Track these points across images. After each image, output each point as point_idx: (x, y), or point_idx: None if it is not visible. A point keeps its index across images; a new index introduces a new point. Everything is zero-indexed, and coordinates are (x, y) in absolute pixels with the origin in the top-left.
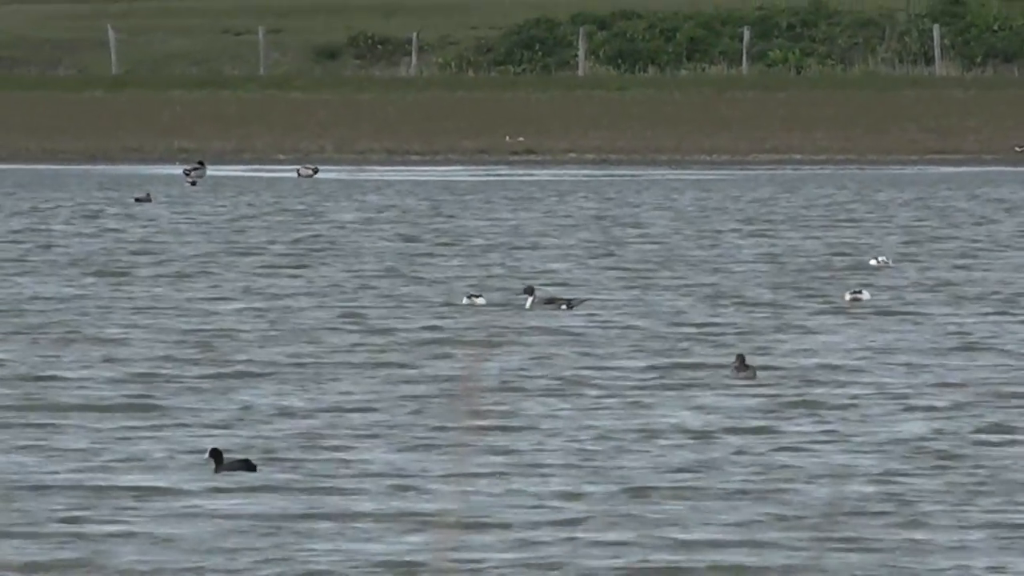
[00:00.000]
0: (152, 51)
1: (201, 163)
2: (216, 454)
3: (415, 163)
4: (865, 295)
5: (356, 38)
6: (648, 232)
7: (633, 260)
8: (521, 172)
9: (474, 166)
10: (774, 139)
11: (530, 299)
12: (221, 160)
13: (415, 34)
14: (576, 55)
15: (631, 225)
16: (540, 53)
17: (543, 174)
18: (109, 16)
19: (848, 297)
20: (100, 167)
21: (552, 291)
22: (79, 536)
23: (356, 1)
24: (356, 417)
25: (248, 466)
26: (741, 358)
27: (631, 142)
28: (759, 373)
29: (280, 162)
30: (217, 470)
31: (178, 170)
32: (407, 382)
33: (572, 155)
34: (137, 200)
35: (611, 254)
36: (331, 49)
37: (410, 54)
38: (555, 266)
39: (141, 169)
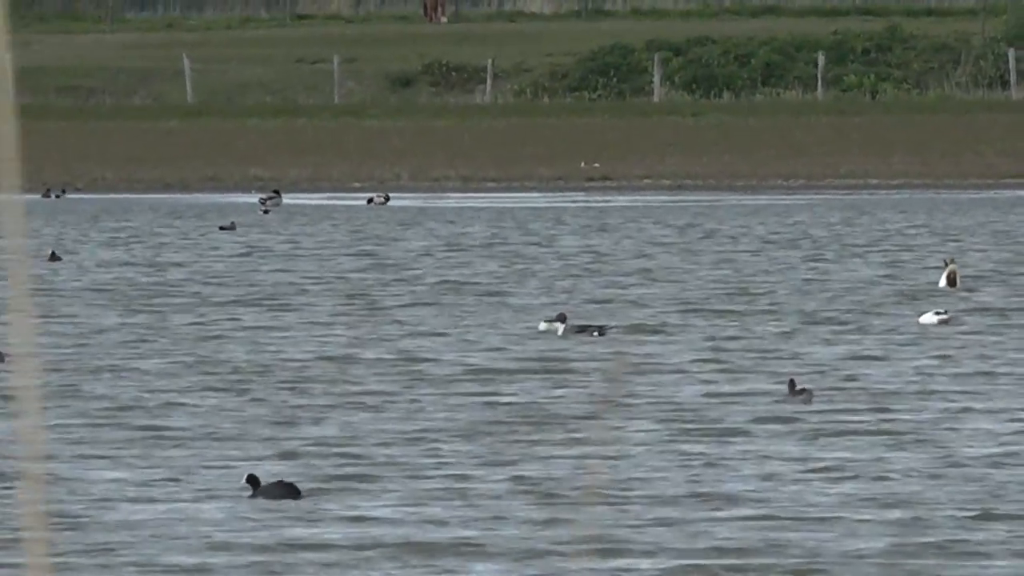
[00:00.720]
0: (227, 80)
1: (277, 192)
2: (253, 480)
3: (490, 190)
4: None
5: (431, 66)
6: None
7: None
8: (597, 199)
9: (550, 192)
10: (849, 164)
11: (561, 327)
12: (296, 188)
13: (490, 61)
14: (651, 81)
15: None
16: (615, 79)
17: (620, 200)
18: (184, 45)
19: (935, 318)
20: (176, 196)
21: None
22: None
23: (430, 29)
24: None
25: (292, 491)
26: (792, 383)
27: (707, 168)
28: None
29: (355, 190)
30: (254, 495)
31: (254, 198)
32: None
33: (648, 181)
34: (222, 228)
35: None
36: (406, 77)
37: (485, 81)
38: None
39: (216, 197)
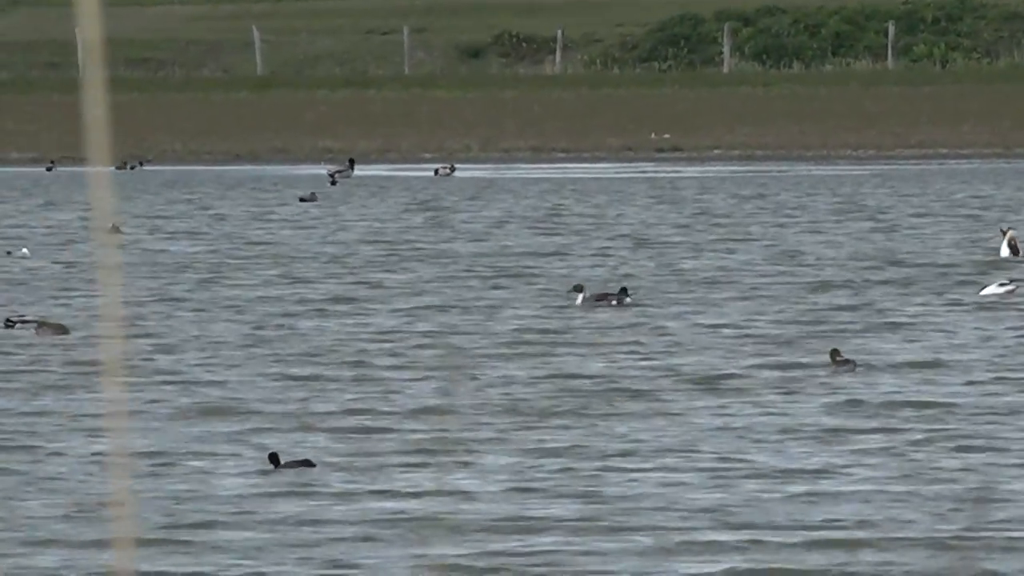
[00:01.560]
0: (297, 52)
1: (351, 162)
2: (274, 457)
3: (560, 160)
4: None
5: (500, 36)
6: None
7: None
8: (667, 169)
9: (619, 163)
10: (920, 134)
11: (580, 296)
12: (366, 160)
13: (559, 32)
14: (721, 52)
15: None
16: (685, 50)
17: (689, 171)
18: (254, 17)
19: (1001, 289)
20: (247, 167)
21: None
22: None
23: None
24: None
25: (308, 464)
26: (835, 352)
27: (776, 138)
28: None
29: (425, 161)
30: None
31: (323, 170)
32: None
33: (717, 151)
34: (302, 200)
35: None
36: (475, 48)
37: (554, 52)
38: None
39: (286, 169)
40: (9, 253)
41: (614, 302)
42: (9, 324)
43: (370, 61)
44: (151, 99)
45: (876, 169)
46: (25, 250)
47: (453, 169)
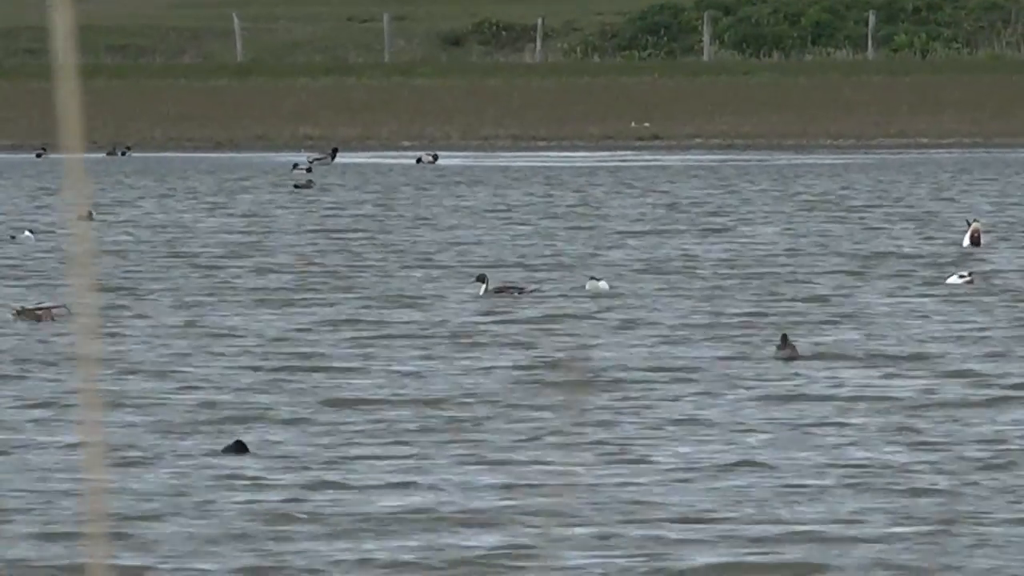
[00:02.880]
0: (277, 39)
1: (335, 151)
2: (240, 446)
3: (540, 149)
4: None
5: (481, 24)
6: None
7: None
8: (647, 157)
9: (600, 152)
10: (900, 123)
11: (483, 286)
12: (347, 147)
13: (540, 20)
14: (701, 40)
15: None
16: (665, 38)
17: (669, 159)
18: (234, 4)
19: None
20: (227, 155)
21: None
22: None
23: None
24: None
25: (241, 447)
26: (784, 338)
27: (756, 127)
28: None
29: (405, 149)
30: (224, 451)
31: (302, 157)
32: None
33: (698, 140)
34: (296, 187)
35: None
36: (456, 35)
37: (535, 40)
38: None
39: (268, 157)
40: (13, 238)
41: (516, 293)
42: (26, 310)
43: (350, 48)
44: (131, 86)
45: (855, 158)
46: (28, 232)
47: (436, 158)
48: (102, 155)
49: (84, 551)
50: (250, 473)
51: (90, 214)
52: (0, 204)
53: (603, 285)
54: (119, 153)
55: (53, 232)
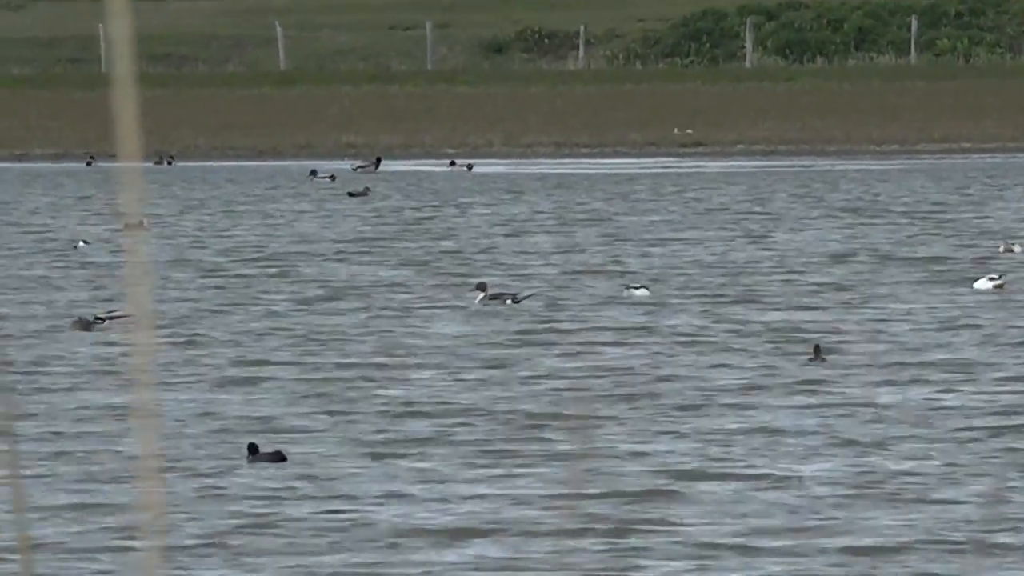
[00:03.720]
0: (320, 47)
1: (378, 160)
2: (253, 448)
3: (583, 155)
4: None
5: (523, 32)
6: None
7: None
8: (690, 164)
9: (642, 158)
10: (943, 128)
11: (481, 294)
12: (390, 155)
13: (582, 27)
14: (744, 46)
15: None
16: (708, 45)
17: (712, 166)
18: (276, 12)
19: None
20: (270, 163)
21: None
22: None
23: None
24: None
25: (279, 457)
26: (817, 348)
27: (800, 133)
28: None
29: (448, 156)
30: (251, 461)
31: (347, 165)
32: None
33: (740, 147)
34: (351, 194)
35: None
36: (498, 43)
37: (577, 47)
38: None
39: (310, 164)
40: (75, 247)
41: (508, 301)
42: (99, 320)
43: (393, 56)
44: (175, 95)
45: (899, 163)
46: (83, 243)
47: (470, 166)
48: (148, 164)
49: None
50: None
51: (142, 223)
52: (51, 213)
53: (641, 293)
54: (166, 162)
55: (108, 242)
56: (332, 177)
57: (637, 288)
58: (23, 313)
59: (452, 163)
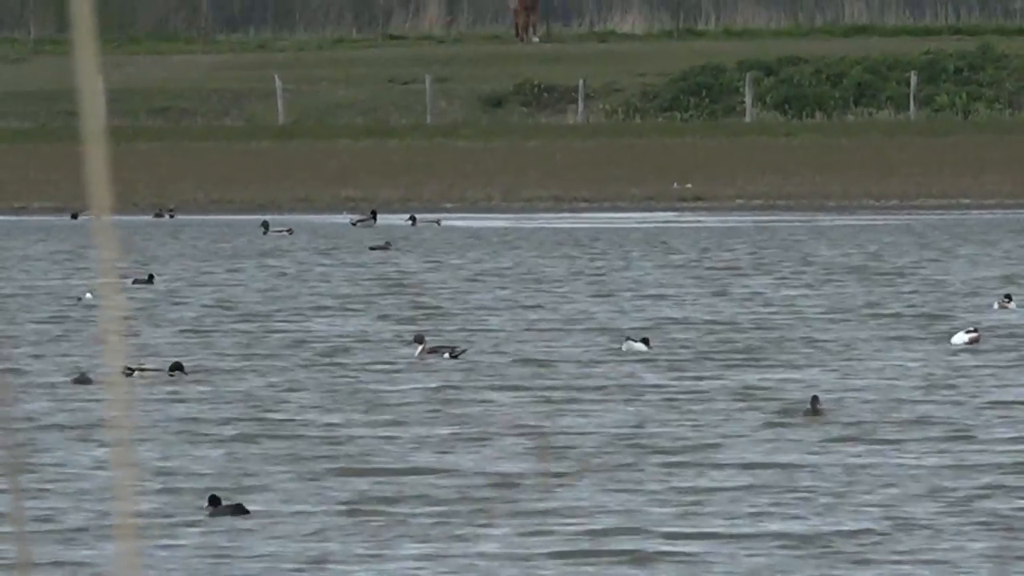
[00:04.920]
0: (319, 101)
1: (374, 213)
2: (214, 500)
3: (583, 210)
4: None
5: (522, 86)
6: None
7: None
8: (690, 218)
9: (641, 212)
10: (942, 184)
11: (420, 347)
12: (389, 209)
13: (581, 81)
14: (743, 101)
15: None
16: (707, 99)
17: (711, 220)
18: (276, 66)
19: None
20: (268, 216)
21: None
22: None
23: (522, 49)
24: None
25: (241, 510)
26: (815, 399)
27: (799, 188)
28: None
29: (448, 210)
30: (212, 514)
31: (345, 219)
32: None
33: (740, 201)
34: (372, 248)
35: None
36: (497, 97)
37: (576, 101)
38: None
39: (308, 218)
40: (79, 299)
41: (446, 355)
42: (128, 372)
43: (392, 110)
44: (173, 148)
45: (898, 219)
46: (89, 294)
47: (438, 222)
48: (148, 217)
49: None
50: None
51: (151, 277)
52: (52, 266)
53: (639, 346)
54: (166, 215)
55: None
56: (289, 231)
57: (636, 341)
58: (30, 366)
59: (412, 219)
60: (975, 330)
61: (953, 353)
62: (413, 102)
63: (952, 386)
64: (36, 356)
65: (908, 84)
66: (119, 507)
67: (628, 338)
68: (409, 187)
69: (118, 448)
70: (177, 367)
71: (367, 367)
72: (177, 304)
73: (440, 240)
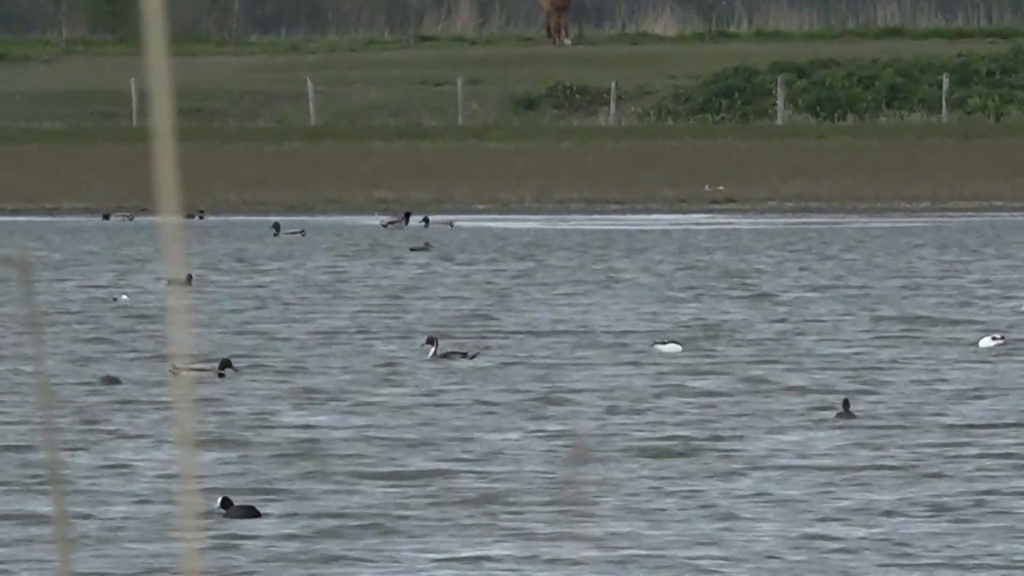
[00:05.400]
0: (351, 102)
1: (407, 215)
2: (226, 502)
3: (614, 212)
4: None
5: (554, 88)
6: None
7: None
8: (721, 220)
9: (673, 214)
10: (974, 186)
11: (432, 349)
12: (420, 210)
13: (613, 83)
14: (775, 103)
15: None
16: (739, 102)
17: (743, 222)
18: (308, 68)
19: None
20: (301, 218)
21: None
22: None
23: (554, 51)
24: None
25: (253, 512)
26: (846, 403)
27: (830, 190)
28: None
29: (479, 212)
30: (226, 515)
31: (376, 220)
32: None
33: (772, 203)
34: (412, 250)
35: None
36: (529, 99)
37: (608, 103)
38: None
39: (340, 219)
40: (115, 299)
41: (459, 357)
42: (175, 371)
43: (424, 112)
44: (205, 149)
45: (930, 221)
46: (125, 296)
47: (451, 224)
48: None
49: None
50: None
51: (189, 278)
52: (86, 266)
53: (670, 348)
54: (198, 217)
55: (149, 294)
56: (302, 232)
57: (665, 343)
58: (63, 367)
59: (425, 221)
60: (1002, 337)
61: (980, 357)
62: (445, 104)
63: (978, 390)
64: (71, 358)
65: (940, 87)
66: (183, 506)
67: (657, 341)
68: (441, 189)
69: (183, 446)
70: (226, 364)
71: (409, 361)
72: (215, 303)
73: (475, 241)
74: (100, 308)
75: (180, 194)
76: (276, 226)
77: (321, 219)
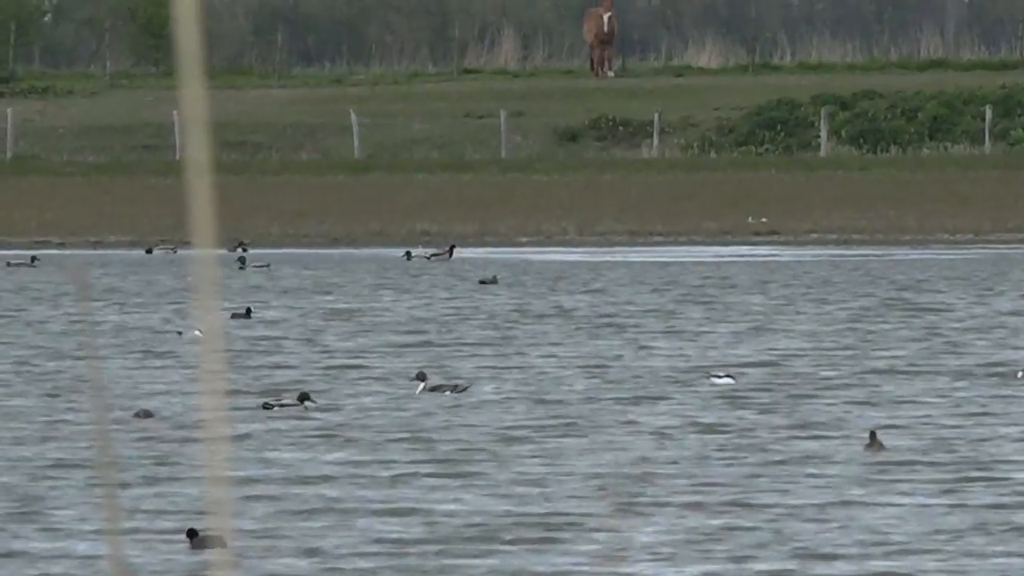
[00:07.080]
0: (394, 135)
1: (452, 248)
2: (192, 533)
3: (657, 244)
4: None
5: (597, 120)
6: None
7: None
8: (764, 252)
9: (717, 246)
10: (1018, 217)
11: (421, 384)
12: (464, 243)
13: (656, 115)
14: (818, 135)
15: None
16: (782, 134)
17: (785, 254)
18: (351, 100)
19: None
20: (344, 251)
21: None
22: None
23: (597, 84)
24: None
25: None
26: (873, 434)
27: (873, 222)
28: None
29: (522, 244)
30: (193, 547)
31: (422, 252)
32: None
33: (814, 235)
34: (481, 282)
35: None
36: (572, 131)
37: (651, 135)
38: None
39: (385, 252)
40: (180, 334)
41: (447, 392)
42: (267, 407)
43: (467, 145)
44: (248, 182)
45: (974, 253)
46: (197, 332)
47: (451, 252)
48: (224, 251)
49: None
50: None
51: (248, 311)
52: (136, 300)
53: (725, 381)
54: (243, 249)
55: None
56: (267, 266)
57: (721, 376)
58: (122, 402)
59: (408, 255)
60: None
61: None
62: (488, 136)
63: (1014, 423)
64: (129, 394)
65: (983, 118)
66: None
67: (713, 375)
68: (484, 221)
69: (214, 496)
70: (304, 397)
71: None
72: (278, 337)
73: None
74: (156, 341)
75: (223, 227)
76: (242, 260)
77: (367, 252)
